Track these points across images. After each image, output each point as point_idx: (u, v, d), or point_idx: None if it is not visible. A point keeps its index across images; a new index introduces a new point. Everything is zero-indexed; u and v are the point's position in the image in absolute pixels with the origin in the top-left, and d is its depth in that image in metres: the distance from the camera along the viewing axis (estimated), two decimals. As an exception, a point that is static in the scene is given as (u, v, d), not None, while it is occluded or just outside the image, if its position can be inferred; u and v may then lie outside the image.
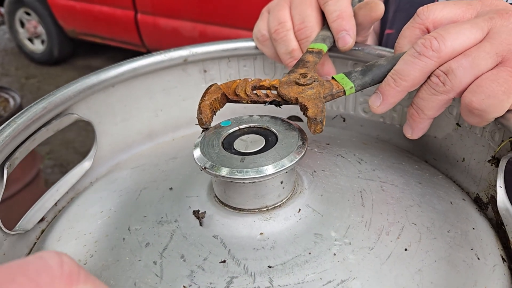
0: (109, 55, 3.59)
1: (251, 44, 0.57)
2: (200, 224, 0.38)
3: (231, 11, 2.50)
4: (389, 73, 0.40)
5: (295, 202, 0.39)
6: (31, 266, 0.18)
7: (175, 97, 0.59)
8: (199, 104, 0.41)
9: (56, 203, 0.48)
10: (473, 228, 0.40)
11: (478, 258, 0.37)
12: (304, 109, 0.39)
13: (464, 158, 0.47)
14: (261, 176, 0.34)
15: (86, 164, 0.52)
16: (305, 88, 0.41)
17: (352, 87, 0.41)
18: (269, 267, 0.34)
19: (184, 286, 0.33)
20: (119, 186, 0.47)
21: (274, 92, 0.42)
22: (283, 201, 0.39)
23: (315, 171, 0.43)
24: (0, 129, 0.40)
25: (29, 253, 0.45)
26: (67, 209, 0.48)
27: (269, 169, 0.34)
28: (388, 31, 0.65)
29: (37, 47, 3.70)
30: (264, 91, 0.42)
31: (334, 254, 0.35)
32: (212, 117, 0.41)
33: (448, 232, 0.39)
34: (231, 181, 0.36)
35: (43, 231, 0.47)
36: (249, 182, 0.36)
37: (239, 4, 2.43)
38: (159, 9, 2.81)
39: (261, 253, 0.35)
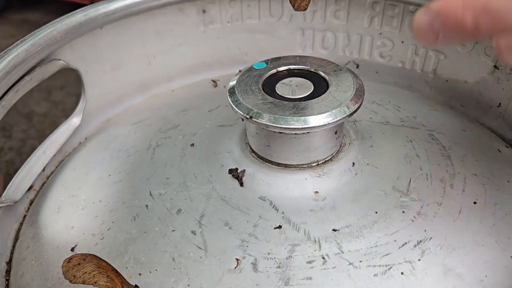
0: (48, 8, 3.28)
1: (259, -22, 0.49)
2: (241, 184, 0.32)
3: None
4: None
5: (347, 156, 0.34)
6: None
7: (170, 42, 0.51)
8: None
9: (44, 168, 0.41)
10: (528, 177, 0.37)
11: (543, 209, 0.34)
12: None
13: (500, 104, 0.44)
14: (323, 125, 0.29)
15: (74, 121, 0.44)
16: None
17: None
18: (334, 230, 0.29)
19: (237, 259, 0.28)
20: (124, 145, 0.40)
21: None
22: (334, 154, 0.33)
23: (356, 120, 0.38)
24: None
25: (19, 228, 0.37)
26: (59, 174, 0.40)
27: (332, 116, 0.29)
28: None
29: (-36, -1, 3.32)
30: None
31: (403, 212, 0.30)
32: None
33: (508, 182, 0.35)
34: (280, 132, 0.30)
35: (32, 201, 0.39)
36: (303, 133, 0.30)
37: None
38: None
39: (322, 215, 0.30)
